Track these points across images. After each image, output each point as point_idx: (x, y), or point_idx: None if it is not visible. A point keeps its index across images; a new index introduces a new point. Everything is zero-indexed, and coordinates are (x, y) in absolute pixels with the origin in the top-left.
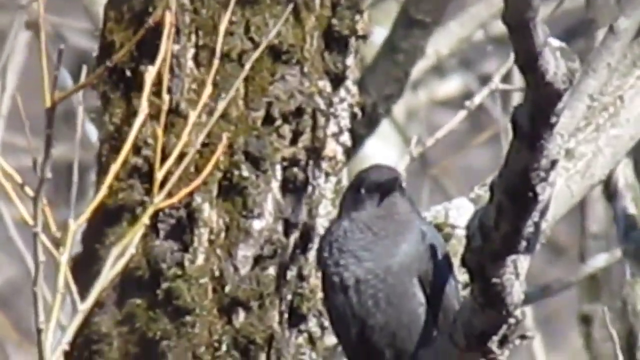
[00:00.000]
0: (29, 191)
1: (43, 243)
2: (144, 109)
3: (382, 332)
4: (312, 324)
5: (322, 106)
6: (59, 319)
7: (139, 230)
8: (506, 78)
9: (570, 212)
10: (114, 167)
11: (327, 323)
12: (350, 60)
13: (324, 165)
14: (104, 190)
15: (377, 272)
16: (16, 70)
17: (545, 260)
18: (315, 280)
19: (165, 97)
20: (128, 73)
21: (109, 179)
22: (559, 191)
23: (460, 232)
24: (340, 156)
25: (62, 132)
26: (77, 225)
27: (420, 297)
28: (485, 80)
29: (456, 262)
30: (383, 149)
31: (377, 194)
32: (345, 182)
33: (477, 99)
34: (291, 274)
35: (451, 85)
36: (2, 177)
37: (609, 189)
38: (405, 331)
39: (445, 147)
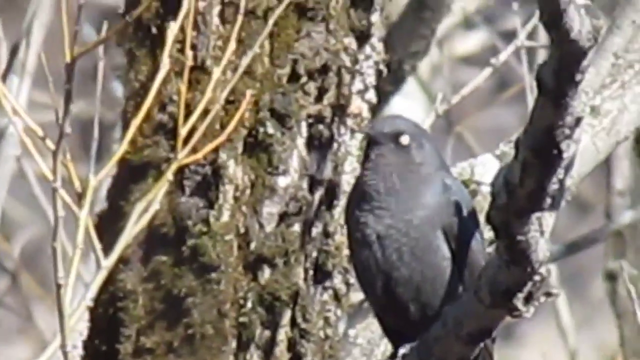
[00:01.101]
0: (50, 144)
1: (62, 198)
2: (165, 64)
3: (406, 285)
4: (338, 281)
5: (348, 63)
6: (79, 275)
7: (163, 186)
8: (531, 35)
9: (596, 169)
10: (135, 122)
11: (352, 280)
12: (375, 17)
13: (350, 122)
14: (124, 144)
15: (398, 226)
16: (42, 27)
17: (571, 217)
18: (340, 237)
19: (189, 53)
20: (154, 30)
21: (130, 133)
22: (584, 148)
23: (486, 189)
24: (366, 113)
25: (88, 89)
26: (97, 181)
27: (445, 250)
28: (510, 37)
29: (481, 219)
30: (409, 106)
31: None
32: None
33: (502, 57)
34: (316, 230)
35: (476, 42)
36: (24, 133)
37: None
38: (429, 285)
39: (471, 104)
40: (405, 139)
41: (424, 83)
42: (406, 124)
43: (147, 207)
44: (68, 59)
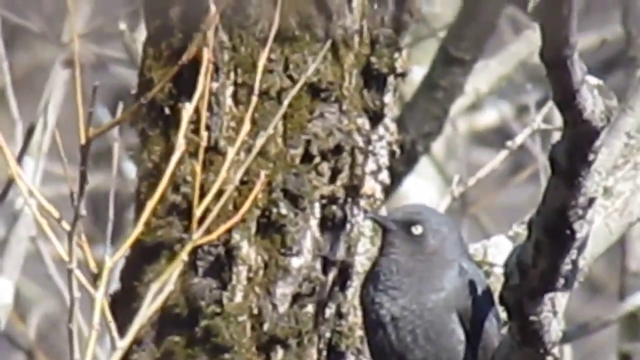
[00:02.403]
0: (66, 226)
1: (78, 280)
2: (181, 145)
3: None
4: None
5: (361, 144)
6: (96, 356)
7: (177, 267)
8: (545, 115)
9: (609, 250)
10: (150, 203)
11: None
12: (388, 98)
13: (363, 203)
14: (139, 226)
15: (412, 308)
16: (57, 105)
17: (584, 298)
18: (353, 317)
19: (204, 134)
20: (167, 110)
21: (145, 214)
22: (597, 229)
23: (499, 270)
24: (379, 194)
25: (103, 167)
26: (112, 262)
27: (460, 333)
28: (522, 111)
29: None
30: (422, 187)
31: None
32: None
33: (518, 139)
34: (330, 311)
35: (488, 120)
36: (39, 213)
37: None
38: None
39: (484, 185)
40: (417, 229)
41: (439, 163)
42: (423, 214)
43: (161, 288)
44: (82, 140)
